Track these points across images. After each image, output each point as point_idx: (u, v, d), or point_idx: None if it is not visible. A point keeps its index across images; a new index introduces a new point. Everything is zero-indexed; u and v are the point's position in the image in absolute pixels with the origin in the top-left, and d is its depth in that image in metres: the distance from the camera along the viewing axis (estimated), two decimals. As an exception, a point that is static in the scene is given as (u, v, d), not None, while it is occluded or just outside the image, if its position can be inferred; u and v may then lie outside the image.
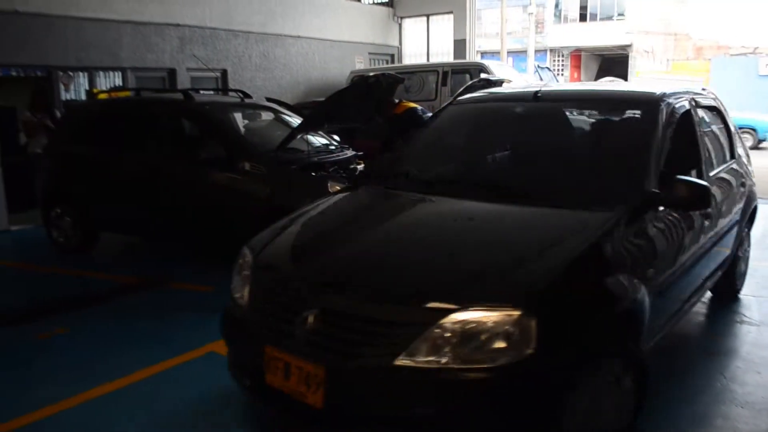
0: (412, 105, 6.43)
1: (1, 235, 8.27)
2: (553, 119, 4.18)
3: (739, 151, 5.03)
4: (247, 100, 6.70)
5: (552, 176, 3.61)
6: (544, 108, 4.15)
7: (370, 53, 16.33)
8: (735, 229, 4.61)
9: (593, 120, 4.37)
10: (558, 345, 2.46)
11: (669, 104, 3.79)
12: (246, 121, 6.60)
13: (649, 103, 3.80)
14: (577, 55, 35.23)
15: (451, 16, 16.78)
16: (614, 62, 34.46)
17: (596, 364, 2.61)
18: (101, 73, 10.64)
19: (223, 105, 6.51)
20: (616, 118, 4.17)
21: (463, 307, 2.42)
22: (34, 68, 10.03)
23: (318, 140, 6.21)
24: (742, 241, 4.93)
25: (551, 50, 34.19)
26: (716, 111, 4.81)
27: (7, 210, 8.62)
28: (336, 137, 6.65)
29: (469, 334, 2.39)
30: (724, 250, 4.48)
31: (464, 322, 2.39)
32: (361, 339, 2.50)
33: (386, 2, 17.20)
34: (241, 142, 5.81)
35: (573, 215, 3.09)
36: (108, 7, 10.27)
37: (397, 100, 6.31)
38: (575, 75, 34.65)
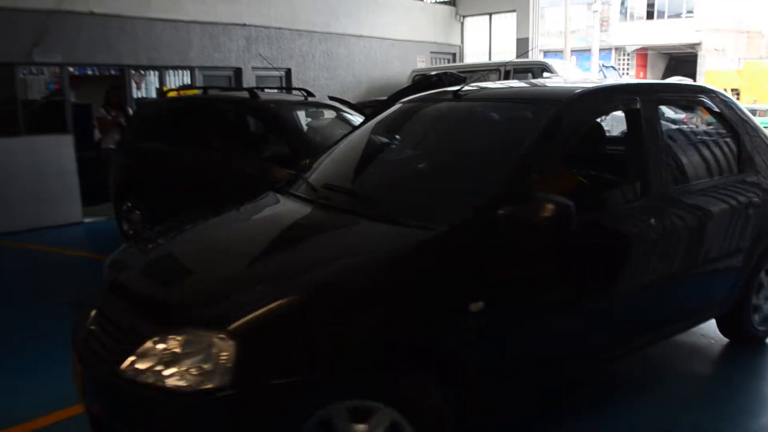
0: None
1: (75, 226, 8.66)
2: (462, 121, 3.77)
3: (759, 163, 4.13)
4: (310, 99, 6.82)
5: (404, 185, 3.39)
6: (460, 109, 3.76)
7: (431, 52, 16.35)
8: (737, 263, 3.91)
9: (491, 123, 3.73)
10: (260, 378, 2.25)
11: (577, 105, 3.31)
12: (309, 119, 6.73)
13: (549, 103, 3.36)
14: (643, 54, 34.40)
15: (514, 15, 16.66)
16: (682, 61, 33.52)
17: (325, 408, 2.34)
18: (171, 71, 10.97)
19: (287, 103, 6.65)
20: (509, 121, 3.59)
21: (175, 328, 2.34)
22: (108, 67, 10.43)
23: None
24: (752, 279, 4.08)
25: (616, 49, 33.48)
26: (718, 115, 4.10)
27: (81, 203, 9.03)
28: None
29: (174, 356, 2.28)
30: (707, 289, 3.88)
31: (173, 343, 2.30)
32: (109, 344, 2.51)
33: (449, 1, 17.18)
34: (304, 140, 5.92)
35: (387, 231, 2.83)
36: (178, 8, 10.59)
37: None
38: (641, 74, 33.84)
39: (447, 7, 17.03)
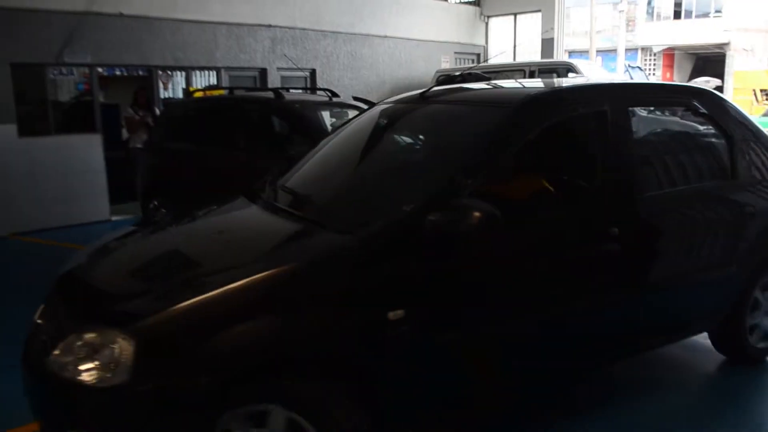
0: None
1: (102, 224, 8.80)
2: (416, 124, 3.74)
3: (755, 170, 3.87)
4: (334, 99, 6.87)
5: (346, 189, 3.35)
6: (419, 112, 3.72)
7: (455, 52, 16.34)
8: (725, 276, 3.69)
9: (439, 127, 3.61)
10: (155, 378, 2.30)
11: (524, 109, 3.17)
12: (333, 119, 6.79)
13: (497, 107, 3.25)
14: (669, 54, 34.03)
15: (539, 15, 16.59)
16: (710, 61, 33.10)
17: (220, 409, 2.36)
18: (197, 72, 11.10)
19: (312, 103, 6.71)
20: (455, 125, 3.45)
21: (89, 324, 2.44)
22: (136, 68, 10.58)
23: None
24: (746, 294, 3.84)
25: (642, 49, 33.15)
26: (708, 118, 3.85)
27: (109, 201, 9.17)
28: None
29: (87, 351, 2.35)
30: (683, 306, 3.67)
31: (87, 339, 2.37)
32: (45, 337, 2.62)
33: (473, 1, 17.16)
34: (329, 140, 5.97)
35: (311, 235, 2.88)
36: (205, 9, 10.71)
37: None
38: (667, 75, 33.49)
39: (471, 8, 17.01)
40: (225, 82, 11.18)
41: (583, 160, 3.54)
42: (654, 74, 32.06)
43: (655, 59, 33.74)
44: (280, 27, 11.95)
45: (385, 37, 14.16)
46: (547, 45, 16.32)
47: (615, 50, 23.75)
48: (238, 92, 7.73)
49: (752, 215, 3.76)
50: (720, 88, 17.47)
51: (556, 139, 3.42)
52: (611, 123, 3.31)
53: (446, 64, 15.60)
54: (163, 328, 2.37)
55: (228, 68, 11.36)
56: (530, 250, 3.03)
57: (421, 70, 14.86)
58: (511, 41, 17.42)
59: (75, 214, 8.78)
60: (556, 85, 3.94)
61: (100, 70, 10.04)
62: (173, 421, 2.31)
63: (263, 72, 11.87)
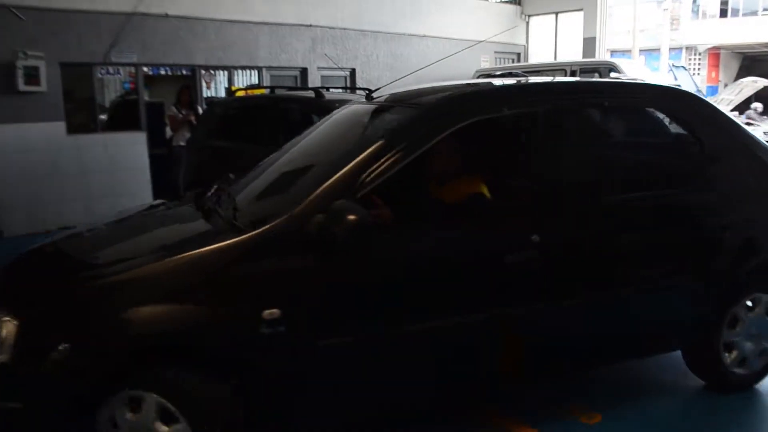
0: None
1: (147, 220, 9.00)
2: (343, 125, 3.68)
3: (734, 181, 3.56)
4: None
5: (263, 189, 3.38)
6: (352, 112, 3.71)
7: (495, 52, 16.27)
8: (690, 293, 3.46)
9: (357, 127, 3.52)
10: (34, 359, 2.46)
11: (438, 107, 3.12)
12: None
13: (415, 105, 3.19)
14: (715, 54, 33.33)
15: (581, 14, 16.43)
16: (758, 61, 32.34)
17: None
18: (239, 71, 11.26)
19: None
20: (369, 126, 3.40)
21: None
22: (180, 67, 10.79)
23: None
24: (722, 312, 3.53)
25: (687, 48, 32.57)
26: (682, 123, 3.60)
27: (153, 197, 9.39)
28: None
29: None
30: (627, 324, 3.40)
31: None
32: None
33: (514, 0, 17.07)
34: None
35: (208, 232, 3.00)
36: (247, 10, 10.85)
37: None
38: (713, 75, 32.82)
39: (512, 7, 16.92)
40: (266, 82, 11.33)
41: (505, 163, 3.45)
42: (699, 74, 31.47)
43: (700, 58, 33.10)
44: (321, 27, 12.05)
45: (425, 36, 14.18)
46: (589, 44, 16.15)
47: (659, 49, 23.40)
48: (279, 91, 7.85)
49: (725, 227, 3.49)
50: (768, 88, 17.05)
51: (477, 141, 3.36)
52: (544, 125, 3.18)
53: (486, 63, 15.56)
54: (47, 312, 2.55)
55: (269, 68, 11.50)
56: (433, 255, 2.94)
57: (460, 69, 14.84)
58: (552, 40, 17.30)
59: (120, 209, 8.99)
60: (494, 84, 3.69)
61: (145, 69, 10.26)
62: (52, 404, 2.45)
63: (304, 71, 11.99)
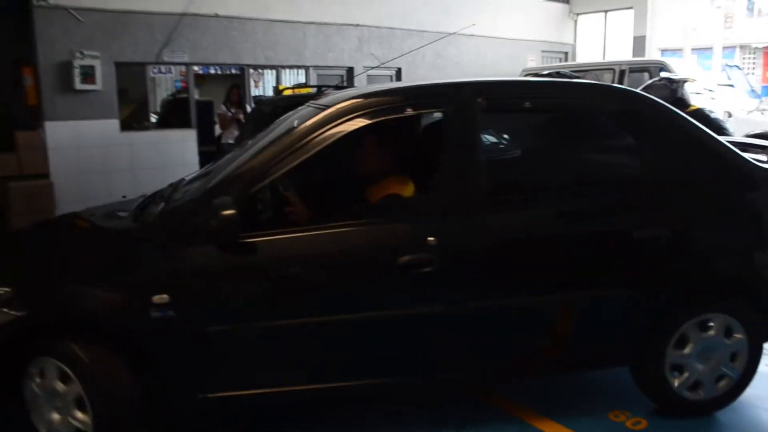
0: (699, 105, 6.52)
1: (196, 216, 9.20)
2: (278, 124, 3.65)
3: (684, 193, 3.27)
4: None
5: (189, 187, 3.45)
6: (296, 112, 3.64)
7: (543, 51, 16.15)
8: (617, 306, 3.23)
9: (283, 126, 3.49)
10: None
11: (338, 113, 3.05)
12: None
13: (321, 107, 3.19)
14: (772, 52, 32.43)
15: (631, 12, 16.19)
16: (816, 59, 31.34)
17: None
18: (287, 70, 11.45)
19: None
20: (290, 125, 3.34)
21: None
22: (229, 66, 11.01)
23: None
24: (664, 331, 3.26)
25: (741, 47, 31.74)
26: (627, 128, 3.36)
27: (202, 194, 9.59)
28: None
29: None
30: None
31: None
32: None
33: (562, -1, 16.93)
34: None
35: (125, 221, 3.39)
36: (295, 10, 11.01)
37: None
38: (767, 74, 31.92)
39: (560, 5, 16.76)
40: (313, 81, 11.47)
41: (420, 165, 3.37)
42: (753, 73, 30.61)
43: (754, 57, 32.21)
44: (368, 26, 12.14)
45: (471, 35, 14.13)
46: (639, 43, 15.91)
47: (711, 48, 22.86)
48: (325, 90, 7.95)
49: (663, 237, 3.21)
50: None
51: (404, 141, 3.44)
52: (448, 127, 3.12)
53: (533, 62, 15.46)
54: None
55: (316, 67, 11.65)
56: (325, 252, 2.99)
57: (507, 68, 14.78)
58: (601, 39, 17.08)
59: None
60: (397, 86, 3.65)
61: (196, 68, 10.51)
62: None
63: (350, 70, 12.10)
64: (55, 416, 2.95)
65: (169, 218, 3.05)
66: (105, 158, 9.28)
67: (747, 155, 3.51)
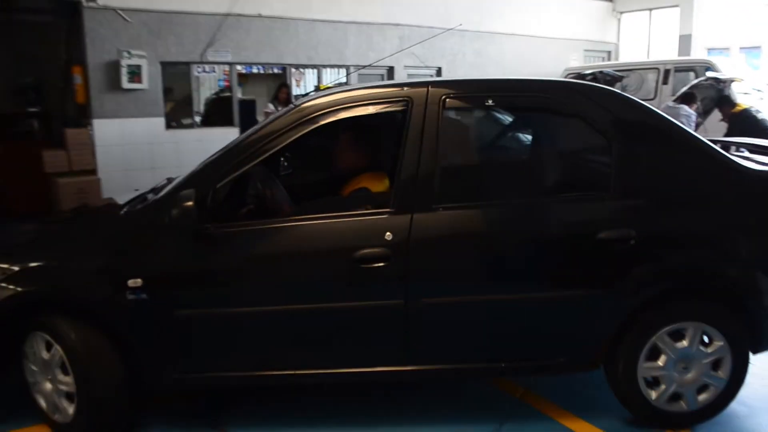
0: (746, 105, 6.44)
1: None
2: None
3: (652, 190, 3.11)
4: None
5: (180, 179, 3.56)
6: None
7: (585, 50, 15.99)
8: (569, 310, 3.12)
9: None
10: None
11: (308, 109, 3.14)
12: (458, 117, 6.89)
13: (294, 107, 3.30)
14: (824, 51, 31.50)
15: (676, 10, 15.92)
16: None
17: None
18: (328, 69, 11.55)
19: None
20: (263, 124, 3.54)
21: None
22: (272, 66, 11.15)
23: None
24: (636, 340, 3.14)
25: (793, 45, 30.91)
26: (591, 125, 3.17)
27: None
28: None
29: None
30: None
31: None
32: None
33: (606, -3, 16.72)
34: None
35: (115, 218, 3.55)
36: (337, 9, 11.13)
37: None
38: (821, 73, 30.99)
39: (603, 3, 16.57)
40: (353, 80, 11.56)
41: (388, 161, 3.52)
42: (804, 72, 29.78)
43: (806, 56, 31.34)
44: (409, 25, 12.18)
45: (512, 34, 14.10)
46: (685, 42, 15.64)
47: (759, 47, 22.35)
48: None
49: (628, 237, 3.04)
50: None
51: (378, 137, 3.70)
52: (412, 124, 3.12)
53: (575, 62, 15.31)
54: None
55: (357, 66, 11.73)
56: (277, 244, 3.09)
57: (548, 68, 14.67)
58: (645, 38, 16.83)
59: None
60: (364, 86, 3.61)
61: (239, 67, 10.67)
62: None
63: (390, 70, 12.17)
64: (48, 385, 3.25)
65: (147, 208, 3.26)
66: (150, 155, 9.51)
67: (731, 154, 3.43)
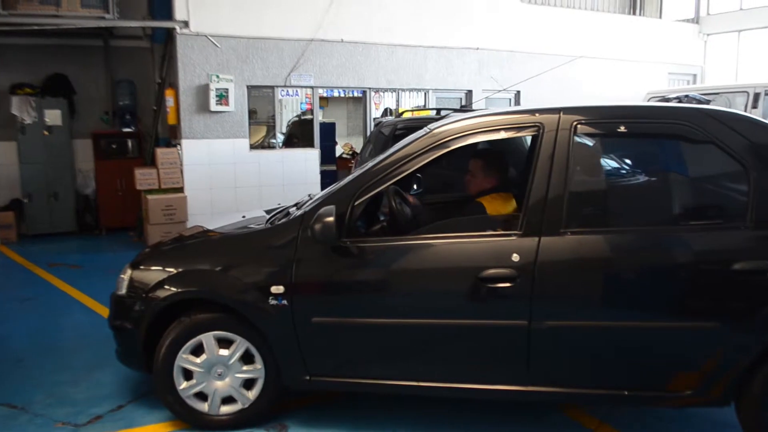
0: None
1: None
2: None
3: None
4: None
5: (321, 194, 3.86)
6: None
7: (669, 73, 15.62)
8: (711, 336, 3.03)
9: None
10: (140, 290, 3.64)
11: (439, 133, 3.42)
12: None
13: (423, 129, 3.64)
14: None
15: (766, 31, 15.38)
16: None
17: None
18: (406, 93, 11.72)
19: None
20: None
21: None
22: (352, 89, 11.40)
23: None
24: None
25: None
26: (722, 150, 3.08)
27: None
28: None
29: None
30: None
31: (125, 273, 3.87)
32: None
33: (690, 19, 16.32)
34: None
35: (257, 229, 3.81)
36: (419, 35, 11.26)
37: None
38: None
39: (689, 25, 16.18)
40: (431, 103, 11.68)
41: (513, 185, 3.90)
42: None
43: None
44: (488, 50, 12.23)
45: (593, 58, 13.93)
46: (777, 64, 15.07)
47: None
48: (444, 113, 8.10)
49: (760, 272, 2.96)
50: None
51: (481, 164, 3.97)
52: (543, 150, 3.19)
53: (659, 85, 14.98)
54: (142, 270, 3.71)
55: (436, 89, 11.85)
56: (409, 260, 3.30)
57: (630, 91, 14.41)
58: (734, 60, 16.32)
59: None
60: (495, 111, 3.71)
61: (320, 91, 10.97)
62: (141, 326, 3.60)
63: (469, 93, 12.23)
64: (218, 383, 3.58)
65: (293, 222, 3.46)
66: (234, 174, 9.88)
67: None
